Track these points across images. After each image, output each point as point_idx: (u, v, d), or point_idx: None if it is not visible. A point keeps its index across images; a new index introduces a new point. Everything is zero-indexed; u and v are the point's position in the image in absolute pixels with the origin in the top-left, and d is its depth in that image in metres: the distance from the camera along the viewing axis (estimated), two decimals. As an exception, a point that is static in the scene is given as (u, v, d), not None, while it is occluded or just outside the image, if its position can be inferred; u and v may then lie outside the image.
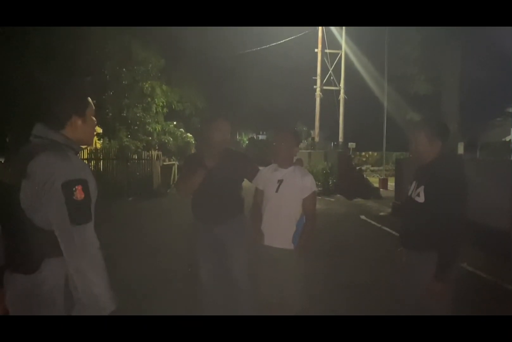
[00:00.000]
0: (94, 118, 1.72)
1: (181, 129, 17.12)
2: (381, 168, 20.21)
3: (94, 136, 1.76)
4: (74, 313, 1.49)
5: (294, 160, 2.92)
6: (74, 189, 1.45)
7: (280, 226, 2.76)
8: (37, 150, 1.50)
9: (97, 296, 1.45)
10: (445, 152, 2.49)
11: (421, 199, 2.45)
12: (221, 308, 3.06)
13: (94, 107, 1.71)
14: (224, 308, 3.07)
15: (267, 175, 2.88)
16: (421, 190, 2.46)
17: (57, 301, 1.52)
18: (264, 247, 2.81)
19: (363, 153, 26.85)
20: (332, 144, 24.71)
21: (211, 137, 2.97)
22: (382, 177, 16.26)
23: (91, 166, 13.56)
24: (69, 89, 1.64)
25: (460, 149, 12.63)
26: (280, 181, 2.78)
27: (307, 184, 2.78)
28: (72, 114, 1.61)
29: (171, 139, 15.95)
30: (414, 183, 2.57)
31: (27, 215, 1.48)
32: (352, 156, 19.42)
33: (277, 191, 2.77)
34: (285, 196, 2.76)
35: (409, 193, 2.58)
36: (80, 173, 1.50)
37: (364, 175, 15.47)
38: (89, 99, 1.69)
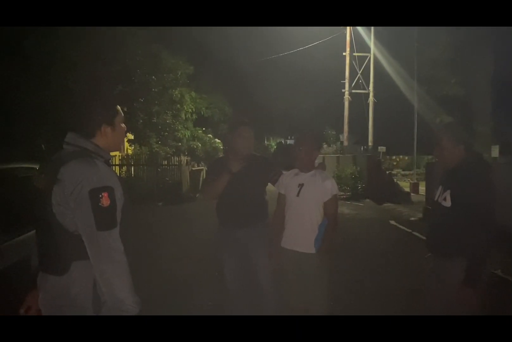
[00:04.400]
0: (123, 126, 1.77)
1: (210, 135, 17.35)
2: (412, 172, 19.81)
3: (123, 143, 1.81)
4: (102, 315, 1.54)
5: (316, 165, 2.93)
6: (100, 196, 1.50)
7: (302, 230, 2.77)
8: (68, 158, 1.57)
9: (120, 300, 1.49)
10: (470, 156, 2.46)
11: (447, 203, 2.43)
12: (246, 311, 3.09)
13: (123, 115, 1.76)
14: (249, 311, 3.10)
15: (289, 180, 2.91)
16: (447, 194, 2.44)
17: (86, 303, 1.57)
18: (287, 251, 2.83)
19: (394, 157, 26.39)
20: (362, 148, 24.35)
21: (234, 143, 3.04)
22: (413, 181, 15.92)
23: (123, 172, 13.91)
24: (98, 99, 1.69)
25: (495, 152, 12.22)
26: (301, 185, 2.80)
27: (328, 187, 2.78)
28: (102, 123, 1.67)
29: (200, 144, 16.17)
30: (440, 188, 2.55)
31: (58, 219, 1.54)
32: (382, 160, 19.11)
33: (298, 195, 2.79)
34: (306, 200, 2.77)
35: (436, 198, 2.56)
36: (107, 181, 1.55)
37: (394, 179, 15.21)
38: (118, 107, 1.74)
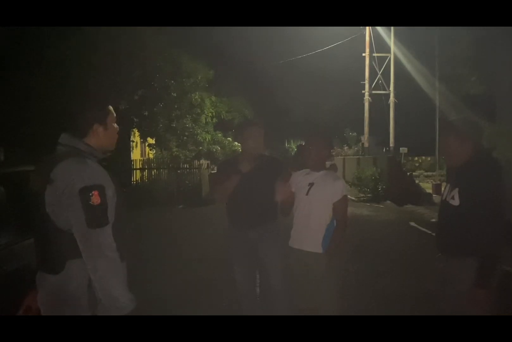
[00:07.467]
0: (116, 125, 1.80)
1: (229, 138, 17.45)
2: (435, 173, 19.41)
3: (115, 142, 1.82)
4: (98, 313, 1.57)
5: (328, 166, 2.93)
6: (90, 194, 1.53)
7: (309, 229, 2.75)
8: (60, 158, 1.61)
9: (115, 297, 1.52)
10: (478, 153, 2.42)
11: (455, 202, 2.38)
12: (257, 312, 3.10)
13: (115, 115, 1.79)
14: (259, 311, 3.11)
15: (299, 178, 2.90)
16: (455, 193, 2.39)
17: (81, 301, 1.60)
18: (294, 250, 2.83)
19: (416, 158, 25.90)
20: (384, 149, 24.03)
21: (244, 143, 3.07)
22: (436, 183, 15.59)
23: (145, 175, 14.12)
24: (88, 99, 1.74)
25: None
26: (311, 184, 2.79)
27: (338, 188, 2.77)
28: (94, 122, 1.70)
29: (219, 148, 16.29)
30: (448, 186, 2.52)
31: (52, 219, 1.58)
32: (404, 161, 18.82)
33: (307, 194, 2.78)
34: (315, 199, 2.76)
35: (444, 196, 2.53)
36: (98, 179, 1.58)
37: (416, 181, 14.95)
38: (110, 107, 1.77)
